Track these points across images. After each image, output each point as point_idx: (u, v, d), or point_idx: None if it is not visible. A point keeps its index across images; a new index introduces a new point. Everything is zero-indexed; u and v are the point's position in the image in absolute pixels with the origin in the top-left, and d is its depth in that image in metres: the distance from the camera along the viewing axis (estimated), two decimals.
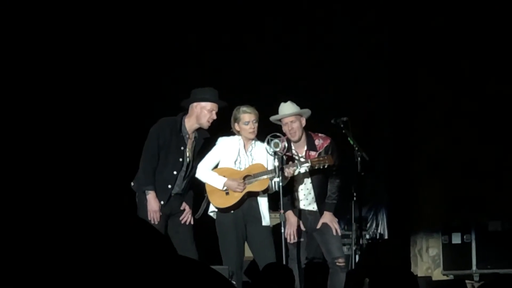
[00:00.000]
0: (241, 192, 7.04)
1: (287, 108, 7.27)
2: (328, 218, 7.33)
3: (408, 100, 10.49)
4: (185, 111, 7.17)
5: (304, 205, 7.40)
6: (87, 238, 1.98)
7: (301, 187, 7.37)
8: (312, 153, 7.28)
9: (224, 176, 7.09)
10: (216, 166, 7.17)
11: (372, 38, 10.40)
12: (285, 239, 7.10)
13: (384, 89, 10.63)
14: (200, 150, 7.18)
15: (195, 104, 7.09)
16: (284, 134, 7.20)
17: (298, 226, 7.33)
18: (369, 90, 10.43)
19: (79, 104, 9.66)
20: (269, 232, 7.13)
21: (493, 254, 9.34)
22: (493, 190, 9.92)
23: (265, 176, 7.05)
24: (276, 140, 6.97)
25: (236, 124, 7.14)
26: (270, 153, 7.01)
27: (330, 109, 8.75)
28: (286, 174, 7.04)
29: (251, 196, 7.12)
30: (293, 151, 7.31)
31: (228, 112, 7.21)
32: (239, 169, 7.12)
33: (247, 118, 7.08)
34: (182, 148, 7.08)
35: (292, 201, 7.35)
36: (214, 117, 7.06)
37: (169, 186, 7.05)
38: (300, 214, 7.38)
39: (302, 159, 7.24)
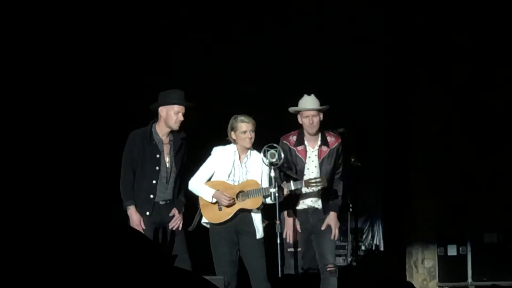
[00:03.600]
0: (228, 205, 7.00)
1: (311, 102, 7.30)
2: (333, 220, 7.30)
3: (403, 110, 10.48)
4: (155, 117, 7.13)
5: (311, 201, 7.33)
6: (79, 247, 1.96)
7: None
8: (324, 149, 7.29)
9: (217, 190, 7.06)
10: (211, 177, 7.14)
11: (369, 47, 10.41)
12: (281, 249, 7.07)
13: (380, 99, 10.64)
14: (183, 153, 7.10)
15: (161, 108, 7.07)
16: (297, 127, 7.17)
17: (295, 230, 7.28)
18: (365, 100, 10.44)
19: (72, 111, 9.60)
20: (261, 244, 7.10)
21: (489, 266, 9.33)
22: (489, 202, 9.90)
23: (258, 194, 7.03)
24: (272, 151, 6.94)
25: (232, 133, 7.11)
26: (266, 163, 6.96)
27: (326, 118, 8.73)
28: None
29: (244, 211, 7.10)
30: (306, 146, 7.30)
31: (225, 120, 7.18)
32: (233, 183, 7.09)
33: (244, 127, 7.06)
34: (157, 156, 7.03)
35: (294, 201, 7.29)
36: (181, 118, 7.01)
37: (151, 196, 7.01)
38: (299, 215, 7.32)
39: (313, 156, 7.22)
